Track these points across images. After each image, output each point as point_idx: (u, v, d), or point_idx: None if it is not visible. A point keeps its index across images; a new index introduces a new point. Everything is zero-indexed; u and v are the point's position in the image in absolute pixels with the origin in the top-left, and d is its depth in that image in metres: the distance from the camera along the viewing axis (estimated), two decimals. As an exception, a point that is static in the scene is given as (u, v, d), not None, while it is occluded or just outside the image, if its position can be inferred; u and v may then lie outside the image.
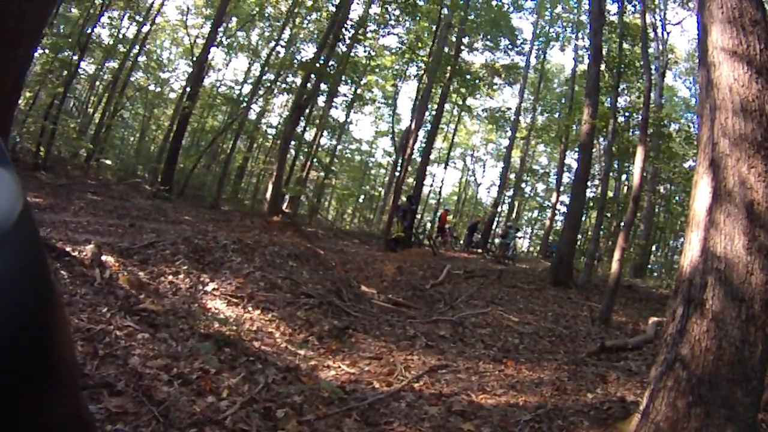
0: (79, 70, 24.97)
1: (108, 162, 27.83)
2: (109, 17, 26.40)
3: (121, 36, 27.64)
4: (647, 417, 4.05)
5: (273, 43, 31.12)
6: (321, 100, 30.29)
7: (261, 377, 4.78)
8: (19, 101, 11.87)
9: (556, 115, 34.72)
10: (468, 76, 29.32)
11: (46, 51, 21.28)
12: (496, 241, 28.42)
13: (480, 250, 27.48)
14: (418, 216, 29.65)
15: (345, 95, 33.67)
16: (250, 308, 7.19)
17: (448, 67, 24.91)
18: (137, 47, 28.26)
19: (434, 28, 25.09)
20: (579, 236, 22.96)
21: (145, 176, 28.70)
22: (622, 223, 13.84)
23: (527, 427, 4.54)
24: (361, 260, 15.87)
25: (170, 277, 7.35)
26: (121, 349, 4.30)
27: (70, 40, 21.18)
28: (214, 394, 4.17)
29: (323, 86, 24.17)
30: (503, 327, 9.81)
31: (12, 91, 5.87)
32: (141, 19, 27.59)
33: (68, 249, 6.38)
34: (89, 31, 22.46)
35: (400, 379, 5.77)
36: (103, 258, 6.47)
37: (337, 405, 4.64)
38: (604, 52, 18.23)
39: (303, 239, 12.76)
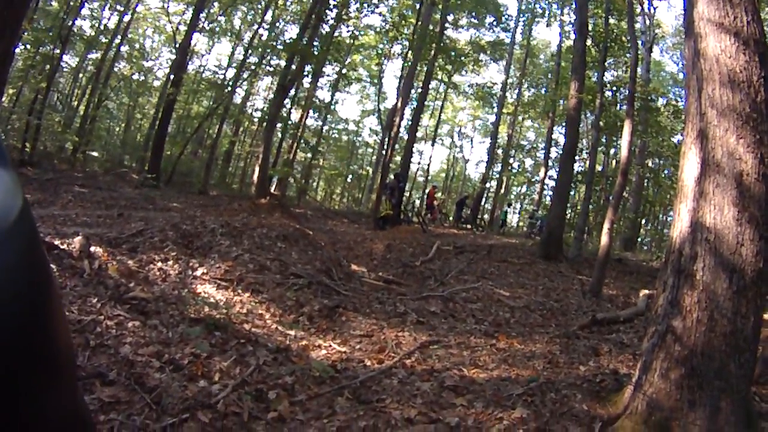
0: (62, 63, 24.83)
1: (94, 153, 27.70)
2: (89, 8, 26.26)
3: (102, 27, 27.31)
4: (640, 389, 4.06)
5: (256, 26, 30.94)
6: (306, 81, 30.21)
7: (252, 359, 4.77)
8: (2, 98, 11.78)
9: (543, 91, 34.79)
10: (453, 53, 29.21)
11: (28, 46, 21.11)
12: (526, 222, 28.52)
13: (469, 226, 27.56)
14: (407, 193, 29.66)
15: (329, 75, 33.57)
16: (239, 291, 7.15)
17: (433, 45, 24.79)
18: (119, 37, 27.95)
19: (418, 5, 24.95)
20: (568, 210, 23.06)
21: (132, 166, 28.52)
22: (611, 197, 13.86)
23: (520, 400, 4.54)
24: (351, 239, 15.85)
25: (159, 264, 7.30)
26: (112, 339, 4.29)
27: (51, 33, 20.97)
28: (206, 378, 4.17)
29: (307, 67, 24.04)
30: (494, 301, 9.82)
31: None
32: (122, 9, 27.34)
33: (56, 242, 6.32)
34: (70, 23, 22.24)
35: (391, 356, 5.76)
36: (92, 249, 6.42)
37: (328, 384, 4.64)
38: (590, 27, 18.21)
39: (291, 220, 12.72)
